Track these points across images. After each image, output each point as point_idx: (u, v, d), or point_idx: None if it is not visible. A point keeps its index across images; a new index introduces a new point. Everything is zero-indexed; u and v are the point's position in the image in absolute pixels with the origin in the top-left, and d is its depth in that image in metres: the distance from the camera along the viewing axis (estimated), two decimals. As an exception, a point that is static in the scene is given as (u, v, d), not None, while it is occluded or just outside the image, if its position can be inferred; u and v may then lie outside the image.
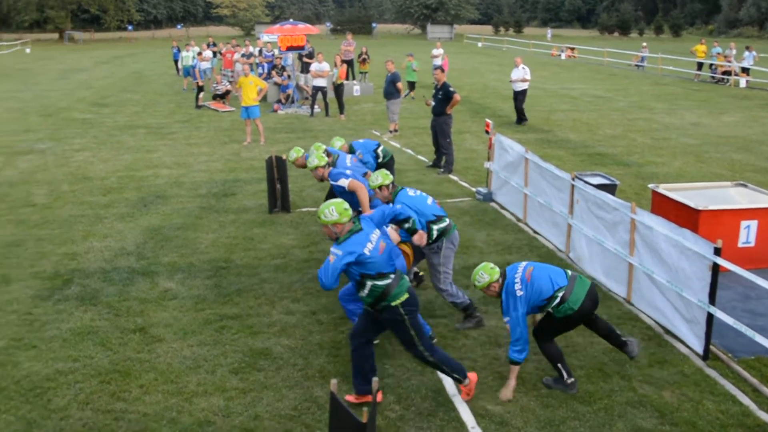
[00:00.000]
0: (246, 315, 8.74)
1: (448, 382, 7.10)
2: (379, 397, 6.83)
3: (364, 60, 31.63)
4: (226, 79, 28.52)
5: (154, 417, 6.64)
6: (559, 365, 6.98)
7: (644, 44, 48.72)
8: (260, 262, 10.48)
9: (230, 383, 7.18)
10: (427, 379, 7.20)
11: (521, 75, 22.15)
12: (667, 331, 8.23)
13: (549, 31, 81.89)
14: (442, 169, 15.86)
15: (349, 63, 31.29)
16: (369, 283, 6.37)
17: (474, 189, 14.34)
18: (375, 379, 5.03)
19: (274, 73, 26.77)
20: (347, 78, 29.54)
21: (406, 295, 6.47)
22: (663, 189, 10.88)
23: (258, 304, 8.99)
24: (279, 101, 25.98)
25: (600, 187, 10.30)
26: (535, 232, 11.75)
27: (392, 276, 6.44)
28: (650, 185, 11.42)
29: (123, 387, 7.16)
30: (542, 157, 12.13)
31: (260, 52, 30.40)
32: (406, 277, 6.73)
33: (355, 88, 29.07)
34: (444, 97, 15.73)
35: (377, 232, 6.56)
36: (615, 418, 6.60)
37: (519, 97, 22.44)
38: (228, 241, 11.47)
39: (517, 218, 12.50)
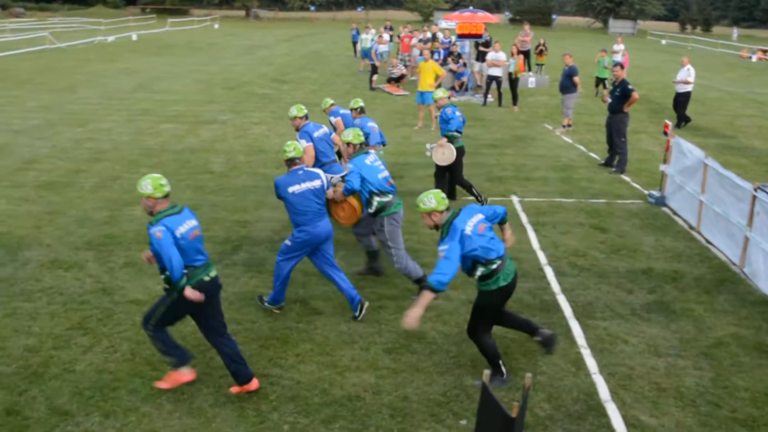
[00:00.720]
0: (403, 297, 8.83)
1: (602, 386, 6.91)
2: (254, 385, 6.72)
3: (541, 52, 31.10)
4: (402, 63, 28.81)
5: (307, 386, 6.84)
6: (499, 362, 6.89)
7: None
8: (422, 247, 10.55)
9: (382, 362, 7.29)
10: (580, 381, 7.04)
11: (684, 76, 21.09)
12: None
13: (735, 31, 77.56)
14: (614, 169, 15.40)
15: (526, 54, 30.85)
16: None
17: (646, 192, 13.83)
18: (528, 375, 4.96)
19: (450, 59, 26.82)
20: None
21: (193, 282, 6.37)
22: None
23: (417, 288, 9.06)
24: (453, 88, 26.00)
25: (785, 200, 9.69)
26: (708, 242, 11.18)
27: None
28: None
29: (280, 354, 7.42)
30: (723, 163, 11.53)
31: (434, 36, 30.48)
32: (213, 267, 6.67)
33: (530, 79, 28.67)
34: (622, 94, 15.24)
35: None
36: (781, 445, 6.22)
37: (680, 99, 21.36)
38: (392, 222, 11.60)
39: (689, 226, 11.94)
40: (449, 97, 12.82)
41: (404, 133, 18.85)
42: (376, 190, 8.55)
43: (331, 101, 12.69)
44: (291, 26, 76.51)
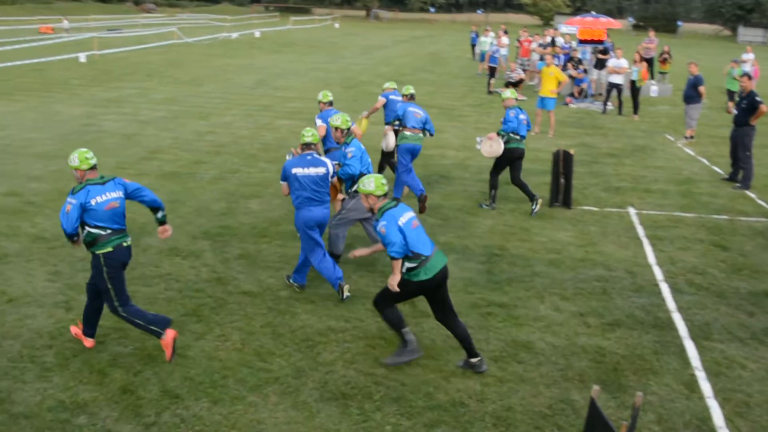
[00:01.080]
0: (513, 305, 8.74)
1: (716, 412, 6.65)
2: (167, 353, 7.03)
3: (665, 59, 30.21)
4: (521, 68, 28.52)
5: (411, 388, 6.84)
6: (402, 331, 7.21)
7: None
8: (534, 255, 10.42)
9: (489, 369, 7.22)
10: (693, 404, 6.78)
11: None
12: None
13: None
14: (738, 184, 14.81)
15: (649, 61, 30.01)
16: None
17: (772, 209, 13.27)
18: (639, 394, 4.83)
19: (570, 65, 26.37)
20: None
21: (110, 249, 6.92)
22: None
23: (527, 297, 8.95)
24: (572, 94, 25.58)
25: None
26: (839, 265, 10.62)
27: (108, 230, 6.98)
28: None
29: (386, 354, 7.44)
30: None
31: (553, 41, 30.04)
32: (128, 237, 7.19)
33: (652, 88, 27.89)
34: (749, 106, 14.65)
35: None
36: None
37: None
38: (505, 229, 11.51)
39: (819, 247, 11.37)
40: (517, 99, 13.10)
41: (520, 138, 18.63)
42: (364, 171, 9.19)
43: (389, 84, 14.16)
44: (410, 27, 76.86)
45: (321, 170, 8.59)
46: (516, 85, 26.90)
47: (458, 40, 54.25)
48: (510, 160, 12.48)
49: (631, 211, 12.75)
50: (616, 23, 29.66)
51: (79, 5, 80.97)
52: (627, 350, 7.63)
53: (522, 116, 12.62)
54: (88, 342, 7.40)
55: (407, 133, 12.37)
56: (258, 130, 18.28)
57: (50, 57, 33.72)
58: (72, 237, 6.92)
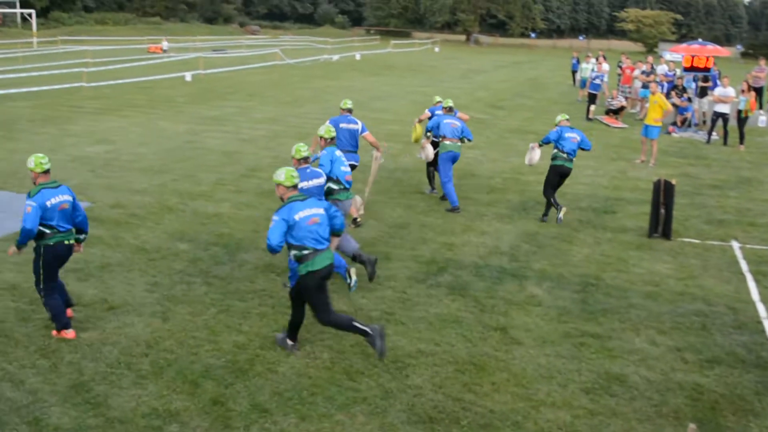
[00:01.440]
0: (608, 336, 8.55)
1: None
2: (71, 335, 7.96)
3: (775, 89, 29.23)
4: (623, 95, 28.02)
5: (500, 416, 6.77)
6: (355, 324, 7.62)
7: None
8: (631, 286, 10.19)
9: (579, 401, 7.08)
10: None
11: None
12: None
13: None
14: None
15: (758, 91, 29.04)
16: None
17: None
18: (692, 427, 4.64)
19: (673, 93, 25.75)
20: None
21: (51, 243, 7.89)
22: None
23: (622, 328, 8.75)
24: (674, 123, 24.97)
25: None
26: None
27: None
28: None
29: (475, 380, 7.39)
30: None
31: (652, 68, 29.38)
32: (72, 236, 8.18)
33: (760, 118, 26.94)
34: None
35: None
36: None
37: None
38: (601, 258, 11.30)
39: None
40: (568, 119, 13.80)
41: (620, 167, 18.29)
42: (334, 178, 9.99)
43: (439, 99, 15.47)
44: (510, 52, 76.60)
45: (320, 181, 9.45)
46: (617, 112, 26.52)
47: (559, 66, 53.72)
48: (555, 175, 13.02)
49: (735, 244, 12.33)
50: (724, 51, 28.90)
51: (187, 26, 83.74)
52: (726, 389, 7.37)
53: (570, 134, 13.10)
54: (69, 333, 8.03)
55: (446, 142, 13.55)
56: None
57: (158, 75, 34.98)
58: (32, 237, 7.79)
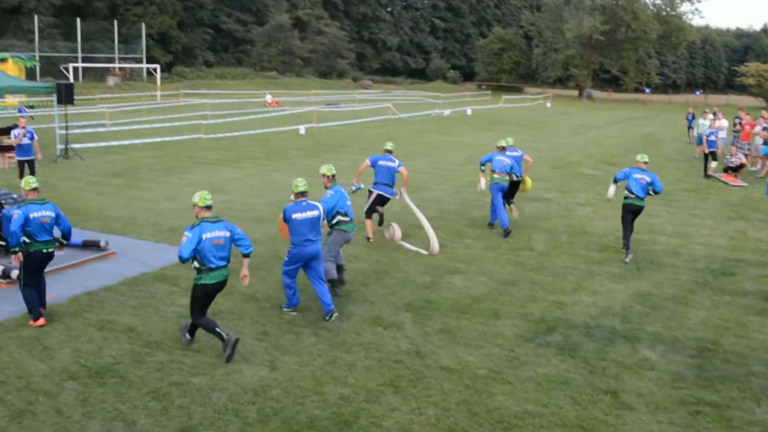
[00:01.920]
0: (726, 405, 8.17)
1: None
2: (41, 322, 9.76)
3: None
4: (742, 152, 27.11)
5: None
6: (216, 330, 8.91)
7: None
8: (751, 353, 9.73)
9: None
10: None
11: None
12: None
13: None
14: None
15: None
16: None
17: None
18: None
19: (797, 151, 24.79)
20: None
21: (32, 250, 9.78)
22: None
23: (741, 397, 8.36)
24: (798, 182, 23.97)
25: None
26: None
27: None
28: None
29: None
30: None
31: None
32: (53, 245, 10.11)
33: None
34: None
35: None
36: None
37: None
38: (719, 322, 10.85)
39: None
40: (646, 161, 14.55)
41: (739, 227, 17.61)
42: (342, 212, 11.27)
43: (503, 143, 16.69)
44: (624, 108, 75.51)
45: (315, 213, 10.36)
46: (736, 170, 25.64)
47: (674, 122, 52.56)
48: (628, 212, 14.13)
49: None
50: None
51: (302, 80, 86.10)
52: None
53: (638, 175, 14.12)
54: (40, 321, 9.74)
55: (495, 176, 15.94)
56: (464, 207, 18.49)
57: (273, 128, 36.02)
58: (15, 246, 9.59)
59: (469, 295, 11.58)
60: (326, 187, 11.46)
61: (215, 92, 61.04)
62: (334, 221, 11.34)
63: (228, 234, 9.09)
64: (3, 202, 12.60)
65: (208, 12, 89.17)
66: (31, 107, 44.79)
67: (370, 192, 14.83)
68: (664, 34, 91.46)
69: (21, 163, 19.23)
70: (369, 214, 14.90)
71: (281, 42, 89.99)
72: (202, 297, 9.03)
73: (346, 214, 11.33)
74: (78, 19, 68.59)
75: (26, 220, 9.65)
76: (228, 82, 76.66)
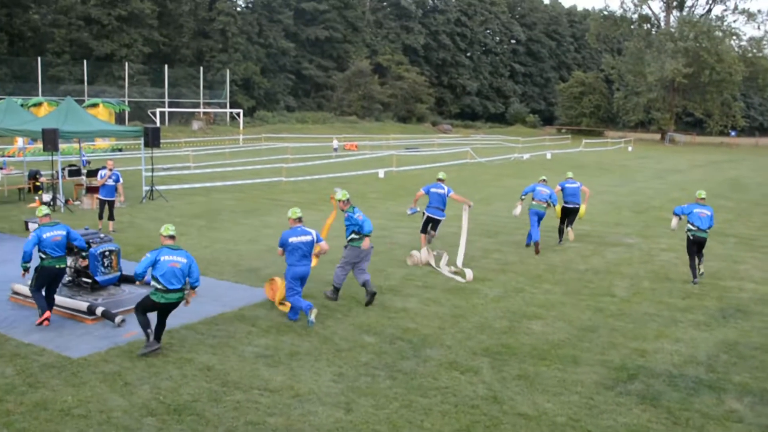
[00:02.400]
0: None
1: None
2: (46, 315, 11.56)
3: None
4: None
5: None
6: (147, 331, 10.25)
7: None
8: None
9: None
10: None
11: None
12: None
13: None
14: None
15: None
16: None
17: None
18: None
19: None
20: None
21: (44, 265, 11.37)
22: None
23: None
24: None
25: None
26: None
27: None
28: None
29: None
30: None
31: None
32: (65, 261, 11.79)
33: None
34: None
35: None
36: None
37: None
38: (811, 374, 10.40)
39: None
40: (704, 197, 16.03)
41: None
42: (357, 230, 13.02)
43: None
44: (708, 151, 73.96)
45: (308, 238, 11.89)
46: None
47: (761, 166, 51.24)
48: (692, 244, 15.42)
49: None
50: None
51: (381, 125, 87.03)
52: None
53: (698, 210, 15.47)
54: (46, 314, 11.40)
55: (533, 202, 18.37)
56: (545, 251, 18.24)
57: (353, 172, 36.41)
58: (25, 262, 11.30)
59: (548, 341, 11.38)
60: (343, 210, 13.35)
61: (296, 136, 62.23)
62: (350, 238, 13.14)
63: (185, 261, 10.35)
64: (91, 241, 12.99)
65: (290, 58, 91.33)
66: (119, 150, 46.36)
67: (424, 214, 17.09)
68: (750, 75, 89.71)
69: (102, 203, 19.86)
70: (423, 230, 17.12)
71: (361, 87, 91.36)
72: (151, 307, 10.33)
73: (360, 233, 13.03)
74: (166, 66, 71.08)
75: (40, 241, 11.28)
76: (309, 126, 78.08)
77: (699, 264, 15.54)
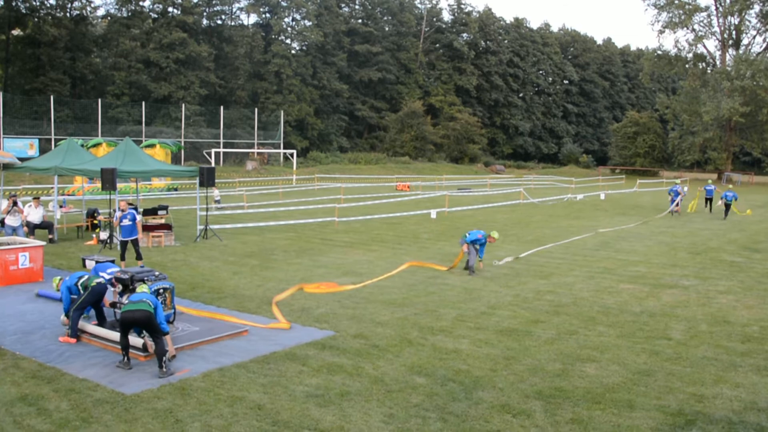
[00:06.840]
0: None
1: None
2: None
3: None
4: None
5: None
6: (123, 353, 11.40)
7: None
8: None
9: None
10: None
11: None
12: None
13: None
14: None
15: None
16: None
17: None
18: None
19: None
20: None
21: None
22: None
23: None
24: None
25: None
26: None
27: None
28: None
29: None
30: None
31: None
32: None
33: None
34: None
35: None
36: None
37: None
38: None
39: None
40: None
41: None
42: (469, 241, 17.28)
43: None
44: (766, 191, 72.43)
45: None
46: None
47: (823, 208, 49.99)
48: None
49: None
50: None
51: (434, 165, 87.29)
52: None
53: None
54: (72, 340, 12.57)
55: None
56: (599, 293, 18.00)
57: (405, 212, 36.48)
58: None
59: (602, 384, 11.16)
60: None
61: (349, 176, 62.63)
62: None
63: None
64: (146, 278, 13.20)
65: (343, 100, 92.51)
66: (175, 189, 47.13)
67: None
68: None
69: (123, 244, 20.25)
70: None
71: (414, 128, 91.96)
72: (121, 325, 11.42)
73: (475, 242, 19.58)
74: (221, 107, 72.46)
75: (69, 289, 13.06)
76: (361, 167, 78.61)
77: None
